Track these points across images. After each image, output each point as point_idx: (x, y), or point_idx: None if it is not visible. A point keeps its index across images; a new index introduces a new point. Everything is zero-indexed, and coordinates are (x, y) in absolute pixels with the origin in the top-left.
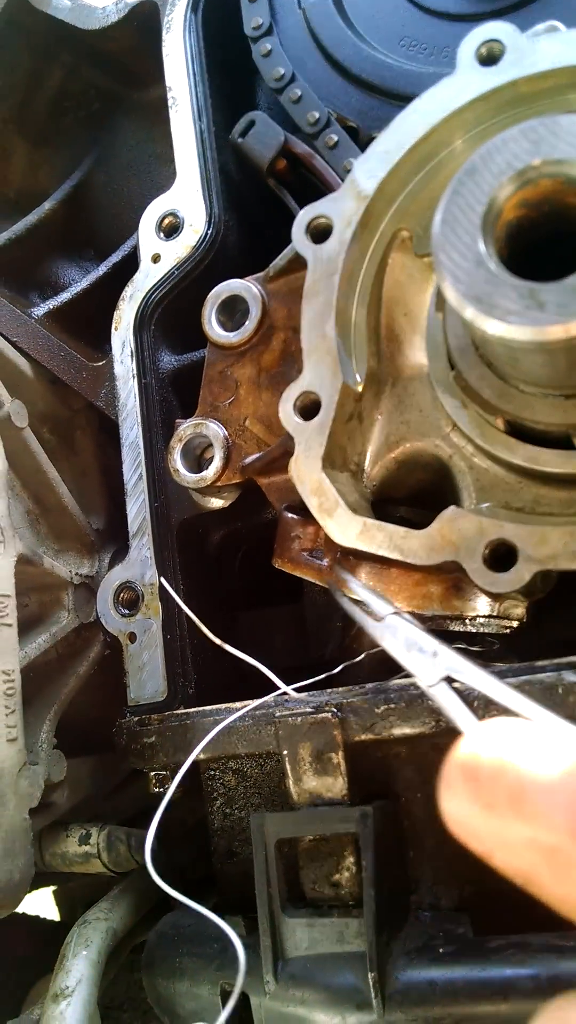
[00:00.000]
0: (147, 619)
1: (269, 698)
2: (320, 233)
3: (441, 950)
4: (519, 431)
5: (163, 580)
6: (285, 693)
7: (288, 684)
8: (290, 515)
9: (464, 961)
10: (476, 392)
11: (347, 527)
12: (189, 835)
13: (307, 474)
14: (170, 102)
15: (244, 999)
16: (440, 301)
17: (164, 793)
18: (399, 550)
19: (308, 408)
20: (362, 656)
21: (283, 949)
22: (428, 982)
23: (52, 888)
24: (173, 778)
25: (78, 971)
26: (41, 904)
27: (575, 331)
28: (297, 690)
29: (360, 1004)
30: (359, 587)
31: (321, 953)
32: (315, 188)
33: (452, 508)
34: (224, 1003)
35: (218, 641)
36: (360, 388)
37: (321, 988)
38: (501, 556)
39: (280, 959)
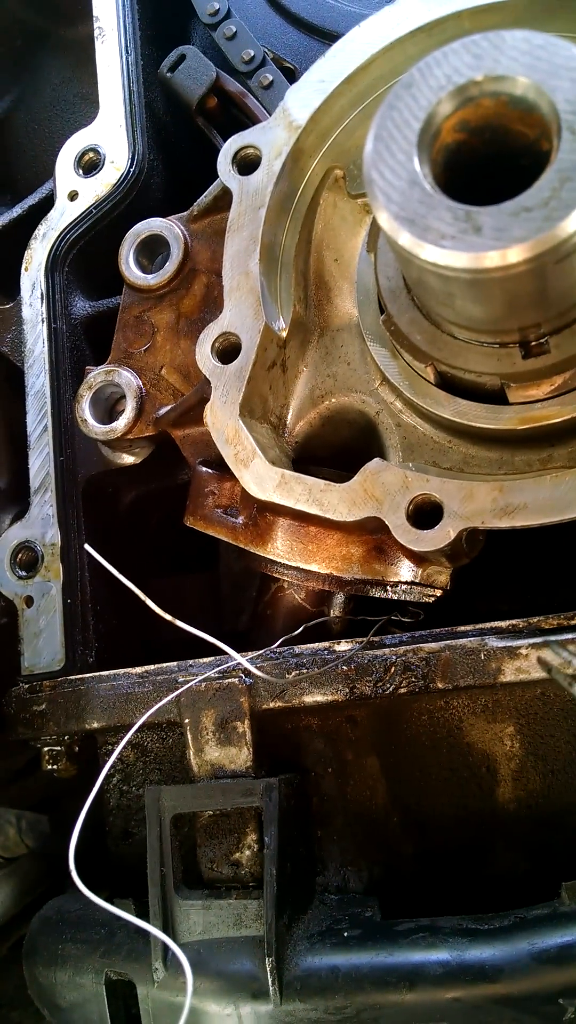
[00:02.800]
0: (46, 582)
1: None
2: (247, 164)
3: (346, 934)
4: (450, 384)
5: (89, 548)
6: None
7: (198, 657)
8: (205, 469)
9: (370, 946)
10: (406, 337)
11: (264, 479)
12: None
13: (223, 421)
14: (96, 32)
15: (131, 988)
16: (372, 240)
17: (60, 771)
18: (319, 504)
19: (227, 351)
20: (300, 630)
21: (175, 933)
22: (330, 968)
23: None
24: (66, 753)
25: None
26: None
27: (512, 258)
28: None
29: (256, 993)
30: None
31: (216, 938)
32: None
33: (376, 460)
34: (109, 993)
35: (160, 611)
36: (284, 333)
37: (214, 975)
38: (426, 512)
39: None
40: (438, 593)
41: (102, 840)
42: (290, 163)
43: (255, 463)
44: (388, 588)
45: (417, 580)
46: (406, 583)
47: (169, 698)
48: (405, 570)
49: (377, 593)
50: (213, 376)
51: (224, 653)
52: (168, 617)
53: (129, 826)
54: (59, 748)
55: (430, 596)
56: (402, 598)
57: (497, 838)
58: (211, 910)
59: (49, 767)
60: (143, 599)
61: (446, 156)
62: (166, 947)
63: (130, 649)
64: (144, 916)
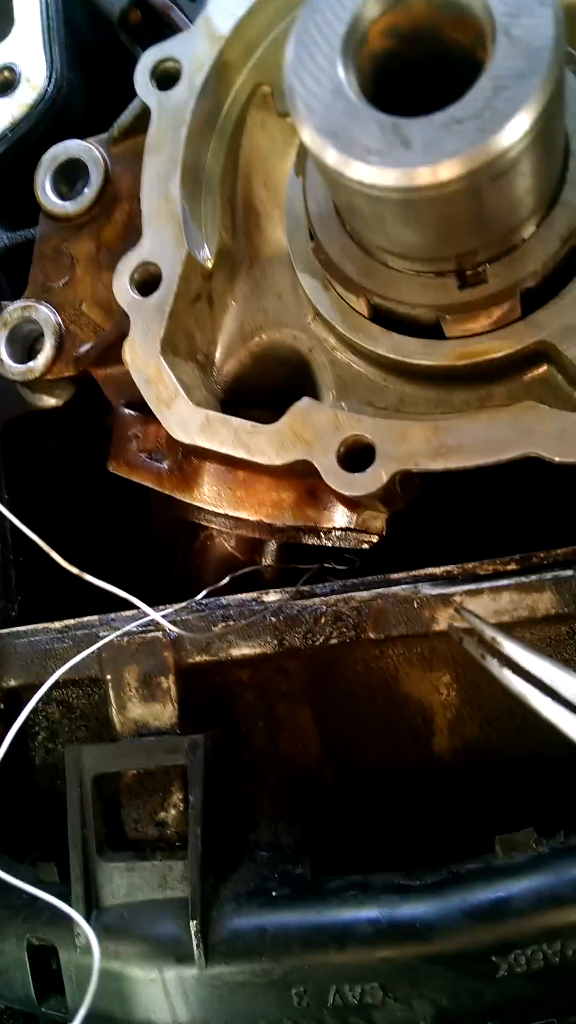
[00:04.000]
0: None
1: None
2: (167, 78)
3: (275, 893)
4: (385, 317)
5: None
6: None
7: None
8: (128, 412)
9: (298, 905)
10: (337, 267)
11: (187, 420)
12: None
13: (143, 359)
14: None
15: (53, 954)
16: (300, 162)
17: None
18: (245, 447)
19: (147, 282)
20: (226, 580)
21: (98, 897)
22: (257, 929)
23: None
24: None
25: None
26: None
27: (444, 175)
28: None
29: (180, 956)
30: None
31: (141, 900)
32: None
33: (305, 400)
34: (31, 960)
35: (68, 565)
36: (210, 263)
37: (138, 939)
38: (358, 454)
39: (95, 907)
40: (373, 539)
41: (27, 799)
42: (214, 78)
43: (178, 404)
44: (322, 535)
45: (352, 526)
46: (340, 529)
47: (84, 654)
48: (339, 516)
49: (311, 540)
50: (132, 310)
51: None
52: (74, 570)
53: (55, 785)
54: None
55: (365, 542)
56: (336, 545)
57: (432, 790)
58: (135, 872)
59: None
60: (47, 550)
61: (375, 65)
62: (88, 910)
63: (56, 600)
64: (67, 879)
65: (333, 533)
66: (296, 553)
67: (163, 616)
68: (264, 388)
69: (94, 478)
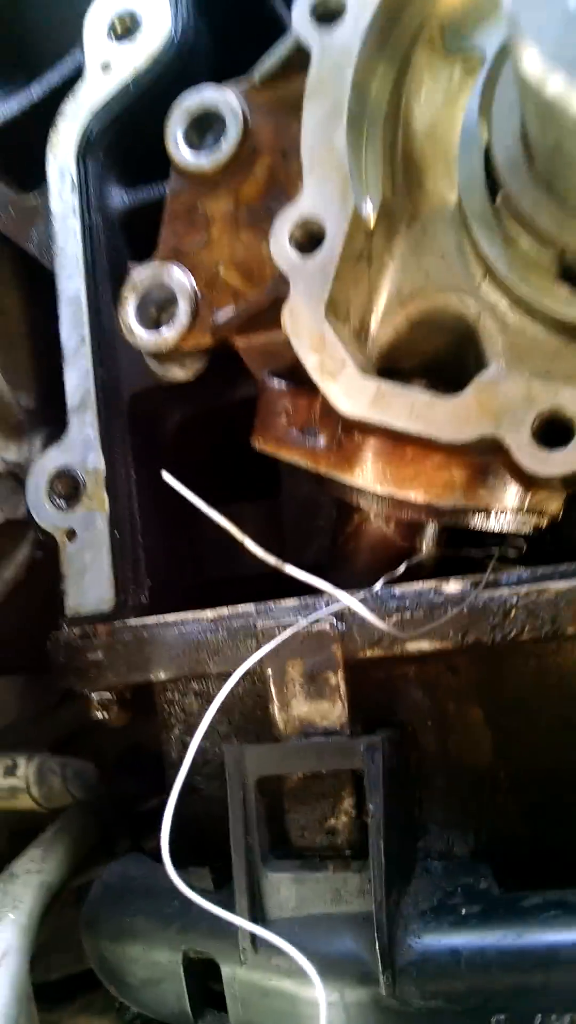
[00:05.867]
0: (90, 512)
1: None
2: (329, 14)
3: (464, 911)
4: (571, 279)
5: (168, 476)
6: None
7: (260, 595)
8: (276, 384)
9: (494, 925)
10: (529, 220)
11: (357, 392)
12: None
13: (306, 324)
14: None
15: (214, 969)
16: (486, 103)
17: (111, 720)
18: (423, 421)
19: (309, 240)
20: (402, 568)
21: (264, 909)
22: (451, 951)
23: None
24: (118, 701)
25: (4, 940)
26: None
27: None
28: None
29: (363, 977)
30: None
31: (312, 914)
32: None
33: (493, 368)
34: (188, 973)
35: (256, 547)
36: (372, 220)
37: (313, 956)
38: (556, 429)
39: (260, 921)
40: (545, 522)
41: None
42: (382, 14)
43: (346, 374)
44: (491, 517)
45: (524, 507)
46: (512, 511)
47: (263, 651)
48: (512, 496)
49: (478, 524)
50: (292, 271)
51: (320, 592)
52: (261, 552)
53: (195, 781)
54: (110, 695)
55: (537, 526)
56: (505, 528)
57: None
58: (305, 884)
59: (98, 716)
60: (239, 536)
61: None
62: (255, 923)
63: (184, 588)
64: (223, 886)
65: (504, 515)
66: (453, 537)
67: (329, 604)
68: (421, 358)
69: (215, 454)
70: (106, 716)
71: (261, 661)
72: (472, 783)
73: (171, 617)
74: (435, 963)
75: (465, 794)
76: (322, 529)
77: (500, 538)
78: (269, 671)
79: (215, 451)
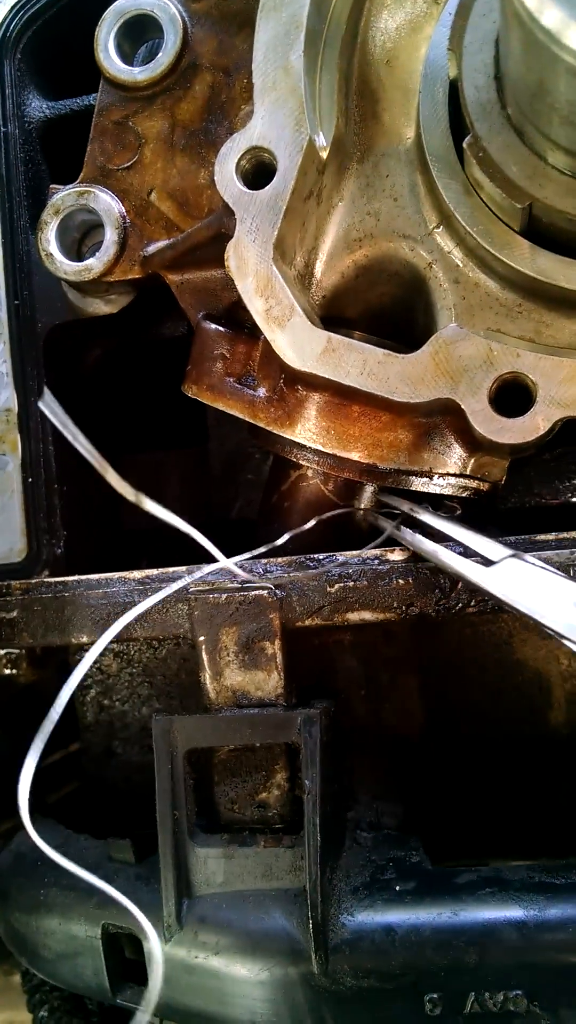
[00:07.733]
0: (1, 456)
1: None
2: None
3: (398, 887)
4: (540, 233)
5: (44, 405)
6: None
7: (183, 549)
8: (212, 327)
9: (429, 902)
10: (499, 166)
11: (306, 343)
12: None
13: (252, 265)
14: None
15: (133, 943)
16: (456, 36)
17: (20, 676)
18: (376, 379)
19: (258, 171)
20: (312, 523)
21: (190, 884)
22: (385, 929)
23: None
24: (27, 657)
25: None
26: None
27: None
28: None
29: (294, 955)
30: (460, 532)
31: (241, 890)
32: None
33: (452, 328)
34: (107, 948)
35: (150, 504)
36: (325, 153)
37: (242, 934)
38: (514, 396)
39: (186, 897)
40: (486, 487)
41: (74, 759)
42: None
43: (294, 323)
44: (431, 480)
45: (467, 472)
46: (454, 475)
47: (151, 600)
48: (455, 460)
49: (418, 486)
50: (239, 205)
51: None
52: (172, 518)
53: (112, 745)
54: (18, 651)
55: (479, 490)
56: (446, 492)
57: (547, 768)
58: (234, 859)
59: (7, 671)
60: (120, 486)
61: None
62: (180, 899)
63: (105, 535)
64: (147, 860)
65: (446, 479)
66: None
67: (267, 570)
68: (365, 306)
69: (138, 396)
70: (15, 671)
71: (193, 627)
72: (403, 754)
73: (95, 577)
74: (369, 941)
75: (396, 765)
76: (251, 482)
77: (436, 499)
78: (202, 638)
79: (139, 393)
